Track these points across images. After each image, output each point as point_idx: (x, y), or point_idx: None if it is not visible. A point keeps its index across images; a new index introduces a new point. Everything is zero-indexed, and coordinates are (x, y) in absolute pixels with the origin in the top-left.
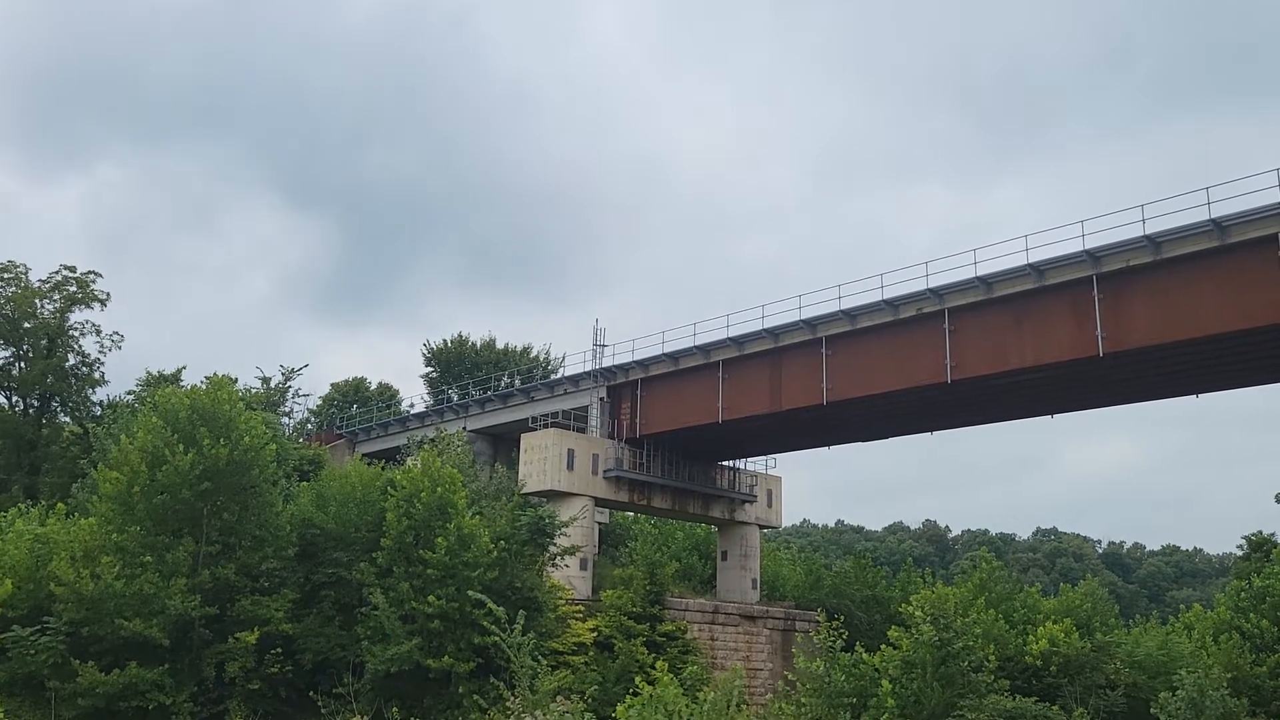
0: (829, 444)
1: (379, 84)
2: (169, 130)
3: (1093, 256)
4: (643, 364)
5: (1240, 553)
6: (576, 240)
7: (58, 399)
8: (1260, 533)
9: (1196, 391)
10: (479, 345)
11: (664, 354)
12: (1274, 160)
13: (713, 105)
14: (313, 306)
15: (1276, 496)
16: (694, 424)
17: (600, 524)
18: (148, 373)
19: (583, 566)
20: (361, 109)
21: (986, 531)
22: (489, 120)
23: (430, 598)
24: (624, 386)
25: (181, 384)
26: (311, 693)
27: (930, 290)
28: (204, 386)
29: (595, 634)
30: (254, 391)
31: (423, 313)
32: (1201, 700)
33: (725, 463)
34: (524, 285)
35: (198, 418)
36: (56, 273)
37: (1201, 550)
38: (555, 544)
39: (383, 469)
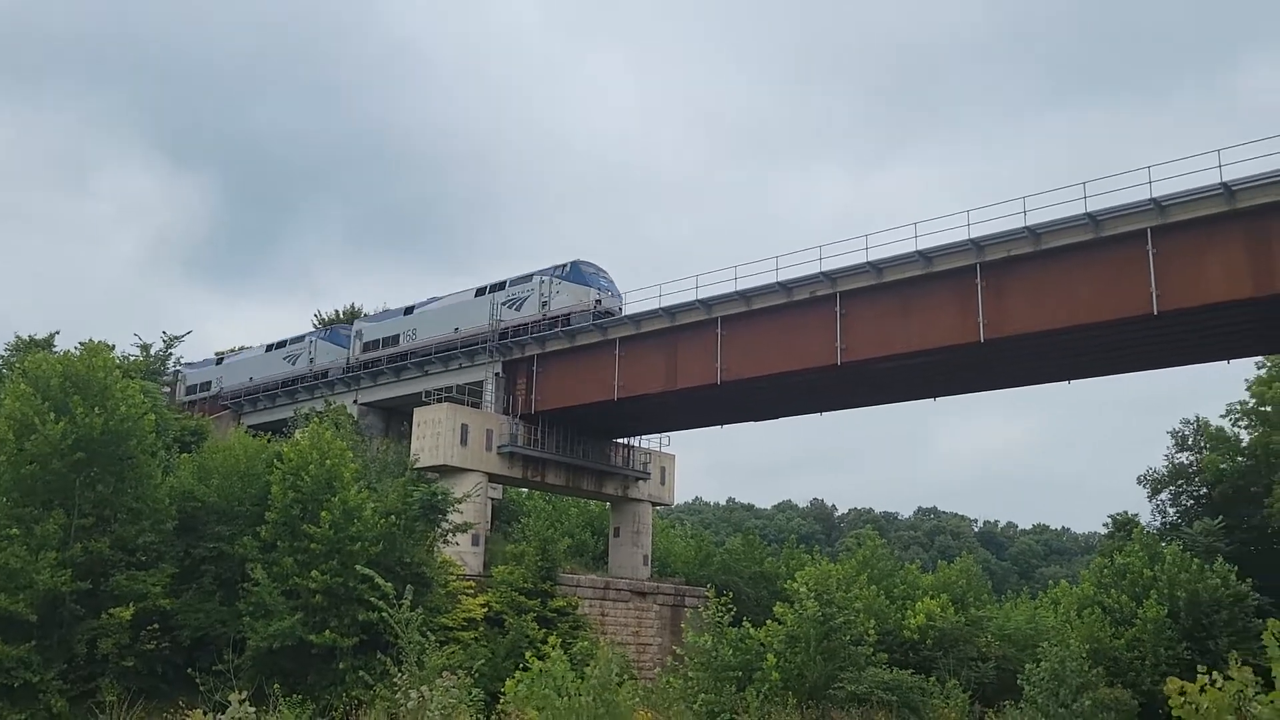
0: (722, 423)
1: (267, 39)
2: (41, 77)
3: (977, 245)
4: (539, 340)
5: (1105, 532)
6: (474, 208)
7: None
8: (1125, 513)
9: (1070, 378)
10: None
11: (561, 331)
12: (1171, 152)
13: (615, 78)
14: (190, 270)
15: (1138, 478)
16: (590, 401)
17: (493, 500)
18: (16, 337)
19: (475, 542)
20: (248, 65)
21: (871, 510)
22: (383, 81)
23: (314, 573)
24: (520, 362)
25: (54, 350)
26: (190, 670)
27: (824, 274)
28: (78, 353)
29: (486, 610)
30: (132, 359)
31: (310, 279)
32: (1063, 671)
33: (620, 440)
34: (418, 253)
35: (71, 385)
36: None
37: (1069, 529)
38: (447, 520)
39: (269, 441)
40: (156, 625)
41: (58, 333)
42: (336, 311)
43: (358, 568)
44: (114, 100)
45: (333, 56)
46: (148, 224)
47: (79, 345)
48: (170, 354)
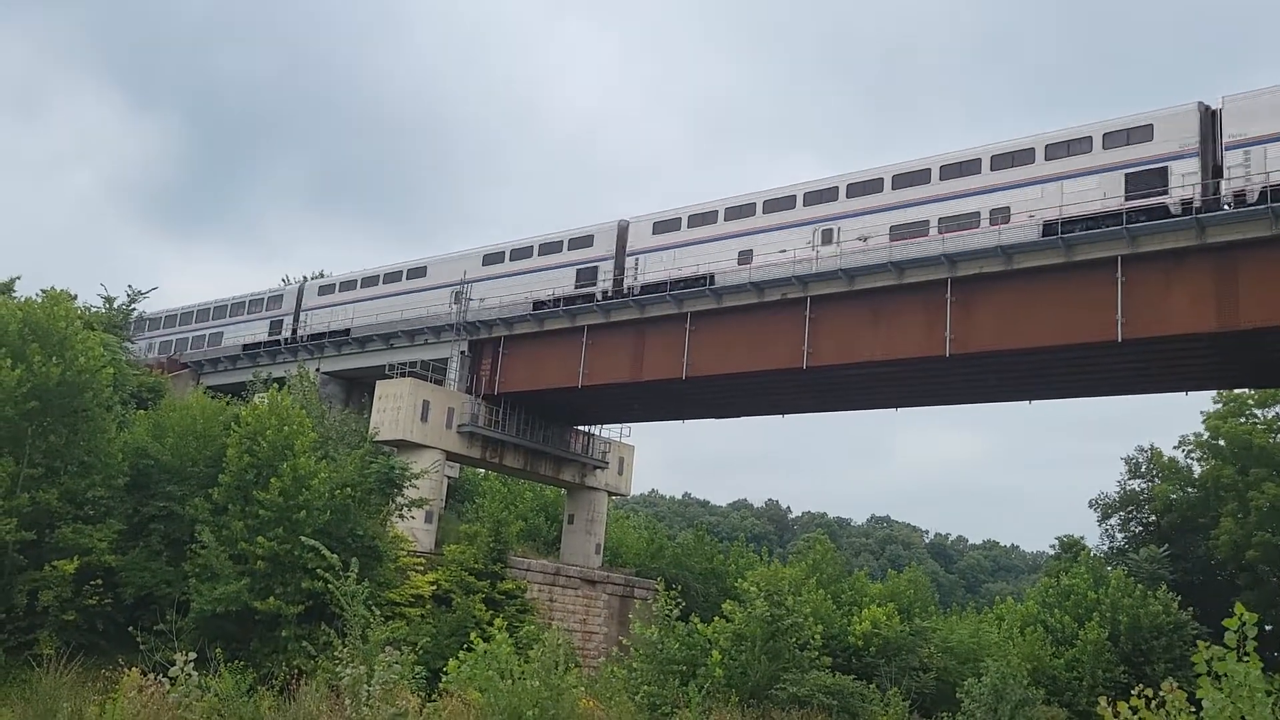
0: (685, 418)
1: None
2: None
3: (950, 260)
4: (507, 321)
5: (1053, 552)
6: (439, 173)
7: None
8: (1072, 535)
9: (1031, 398)
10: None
11: (529, 314)
12: None
13: (596, 53)
14: (145, 214)
15: (1090, 502)
16: (554, 386)
17: (449, 478)
18: None
19: (428, 519)
20: (213, 4)
21: (825, 515)
22: (352, 35)
23: (260, 539)
24: (486, 342)
25: (14, 296)
26: (131, 628)
27: (795, 277)
28: (39, 300)
29: (434, 587)
30: (94, 311)
31: (266, 234)
32: (1003, 688)
33: (581, 428)
34: (379, 215)
35: (30, 333)
36: None
37: (1018, 547)
38: (403, 495)
39: (227, 404)
40: (100, 581)
41: (18, 278)
42: (305, 276)
43: (303, 538)
44: (65, 22)
45: (302, 7)
46: (104, 162)
47: (41, 293)
48: (134, 308)
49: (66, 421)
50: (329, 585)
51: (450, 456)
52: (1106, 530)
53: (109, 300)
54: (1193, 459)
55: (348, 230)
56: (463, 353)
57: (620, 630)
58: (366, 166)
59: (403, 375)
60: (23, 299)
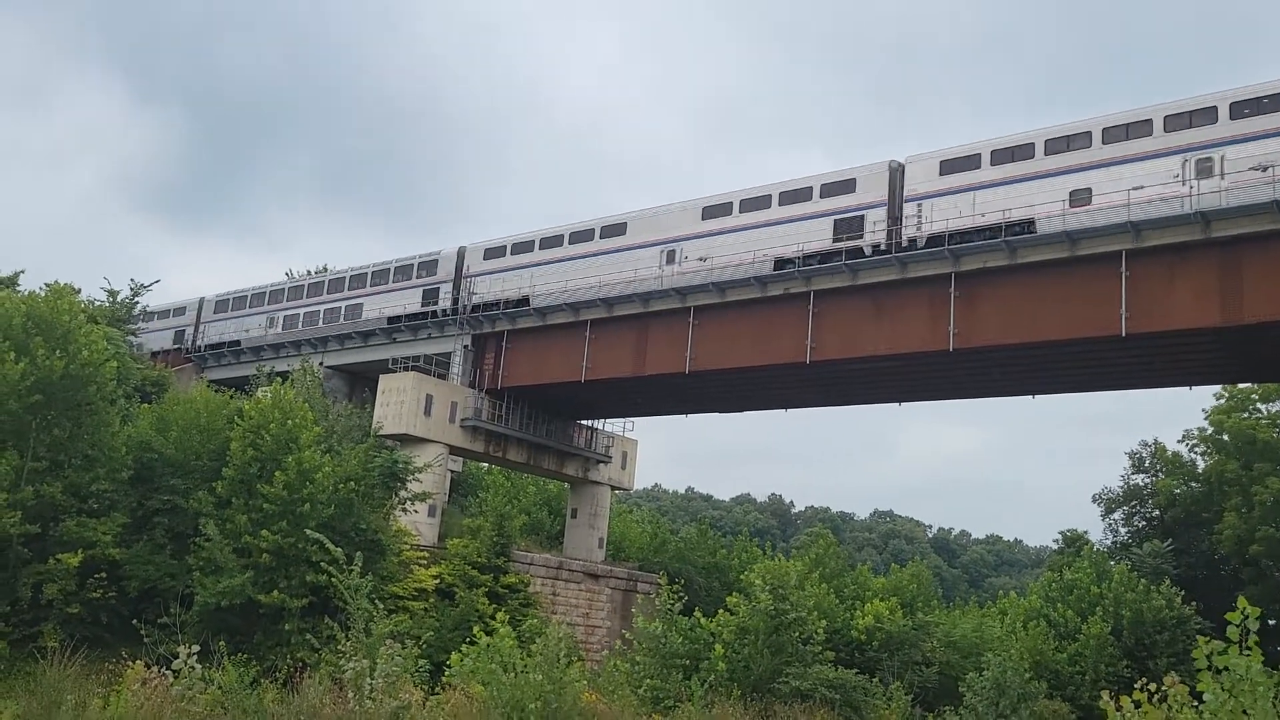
0: (688, 412)
1: None
2: None
3: (953, 254)
4: (510, 316)
5: (1056, 547)
6: (443, 166)
7: None
8: (1075, 530)
9: (1034, 392)
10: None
11: (532, 308)
12: None
13: (600, 44)
14: (147, 207)
15: (1094, 497)
16: (557, 381)
17: (452, 472)
18: None
19: (431, 513)
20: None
21: (828, 509)
22: (355, 27)
23: (264, 532)
24: (489, 337)
25: (19, 289)
26: (135, 621)
27: (799, 271)
28: (43, 293)
29: (438, 581)
30: (98, 305)
31: (269, 227)
32: (1004, 681)
33: (584, 422)
34: (382, 209)
35: (33, 326)
36: None
37: (1021, 541)
38: (407, 489)
39: (230, 398)
40: (104, 574)
41: (22, 272)
42: (309, 270)
43: (307, 531)
44: (70, 13)
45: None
46: (107, 155)
47: (44, 287)
48: (136, 301)
49: (70, 415)
50: (333, 579)
51: (453, 451)
52: (1110, 525)
53: (113, 294)
54: (1196, 453)
55: (351, 223)
56: (466, 347)
57: (623, 624)
58: (370, 159)
59: (406, 369)
60: (26, 293)
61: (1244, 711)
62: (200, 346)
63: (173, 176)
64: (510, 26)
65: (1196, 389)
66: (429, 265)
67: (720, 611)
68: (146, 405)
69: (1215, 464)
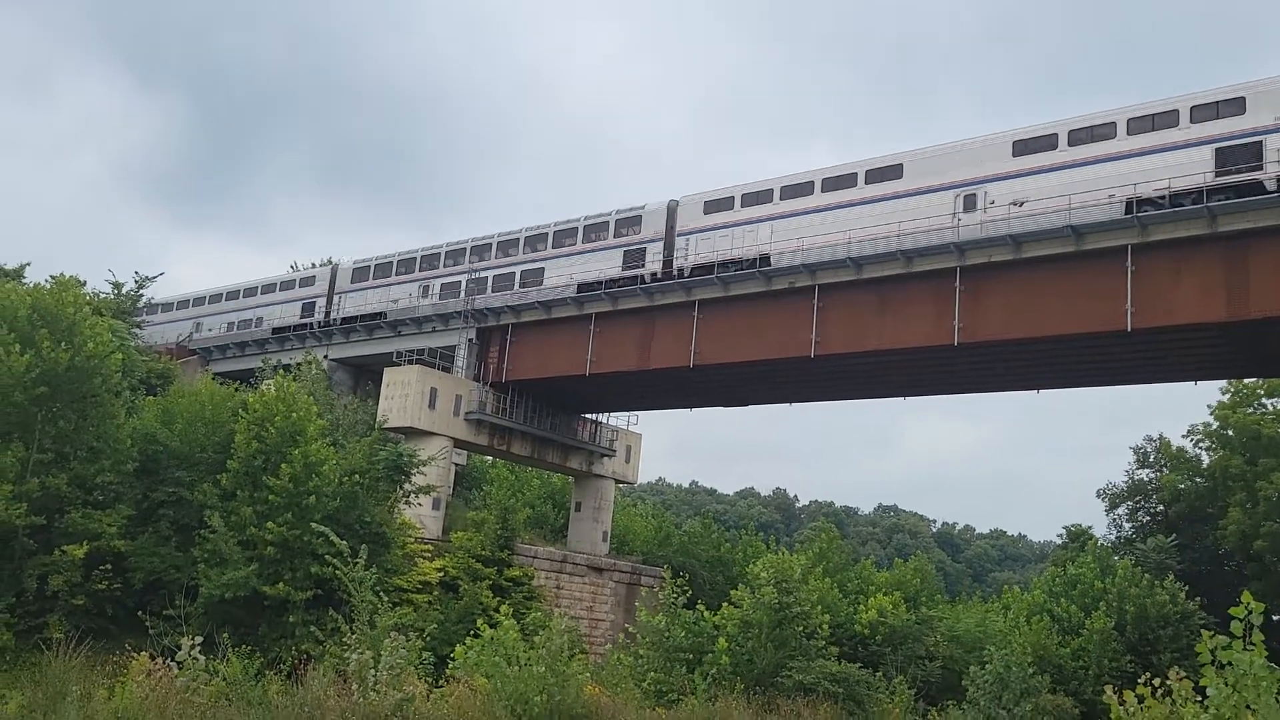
0: (692, 406)
1: None
2: None
3: (959, 248)
4: (515, 309)
5: (1060, 541)
6: (445, 157)
7: None
8: (1079, 525)
9: (1038, 387)
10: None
11: (537, 301)
12: None
13: (605, 36)
14: (150, 197)
15: (1098, 491)
16: (562, 374)
17: (456, 466)
18: None
19: (435, 506)
20: None
21: (832, 504)
22: (357, 16)
23: (269, 525)
24: (494, 330)
25: (24, 281)
26: (140, 613)
27: (804, 265)
28: (48, 286)
29: (442, 574)
30: (103, 297)
31: (272, 218)
32: (1007, 675)
33: (588, 416)
34: (385, 201)
35: (39, 318)
36: None
37: (1025, 536)
38: (411, 482)
39: (235, 390)
40: (109, 566)
41: (28, 264)
42: (314, 263)
43: (313, 524)
44: (72, 1)
45: None
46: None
47: (49, 279)
48: (141, 294)
49: (75, 407)
50: (337, 571)
51: (458, 444)
52: (1114, 520)
53: (117, 286)
54: (1201, 449)
55: (354, 215)
56: (470, 340)
57: (627, 617)
58: (372, 150)
59: (410, 363)
60: (31, 285)
61: (1247, 706)
62: (333, 320)
63: (175, 166)
64: (512, 13)
65: (1202, 384)
66: (631, 221)
67: (724, 605)
68: (151, 398)
69: (1220, 459)
